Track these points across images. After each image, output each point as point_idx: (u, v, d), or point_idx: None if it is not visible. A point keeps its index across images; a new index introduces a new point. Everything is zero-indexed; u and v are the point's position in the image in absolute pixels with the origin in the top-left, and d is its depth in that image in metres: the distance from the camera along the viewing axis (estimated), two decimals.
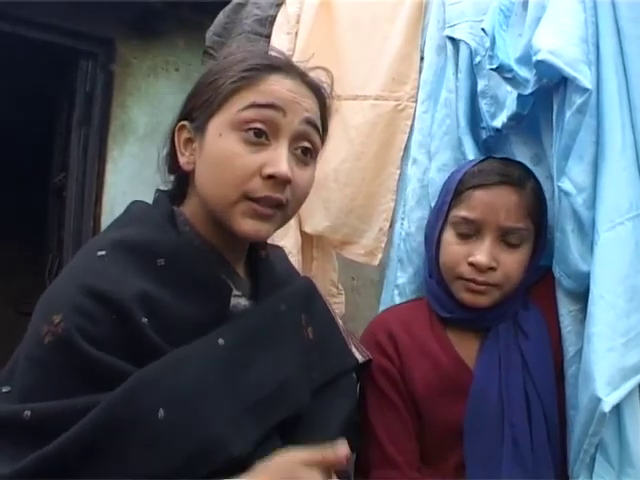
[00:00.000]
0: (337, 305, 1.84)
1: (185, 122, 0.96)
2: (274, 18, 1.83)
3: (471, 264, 1.13)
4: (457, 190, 1.17)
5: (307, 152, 0.95)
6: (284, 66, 0.95)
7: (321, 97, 0.99)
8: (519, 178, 1.14)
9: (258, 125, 0.89)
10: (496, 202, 1.12)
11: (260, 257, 1.04)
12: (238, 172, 0.89)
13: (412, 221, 1.40)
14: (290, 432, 0.91)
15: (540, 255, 1.19)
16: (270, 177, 0.89)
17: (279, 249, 1.21)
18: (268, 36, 1.83)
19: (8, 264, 4.58)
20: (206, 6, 2.46)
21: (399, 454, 1.14)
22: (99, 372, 0.79)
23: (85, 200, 3.07)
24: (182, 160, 0.96)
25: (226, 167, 0.90)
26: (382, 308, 1.49)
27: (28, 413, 0.76)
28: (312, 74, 0.99)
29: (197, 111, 0.94)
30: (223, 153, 0.90)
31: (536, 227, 1.15)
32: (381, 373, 1.18)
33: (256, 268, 1.03)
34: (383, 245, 1.58)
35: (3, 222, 4.57)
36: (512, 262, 1.13)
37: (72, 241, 3.01)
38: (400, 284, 1.43)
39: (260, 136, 0.90)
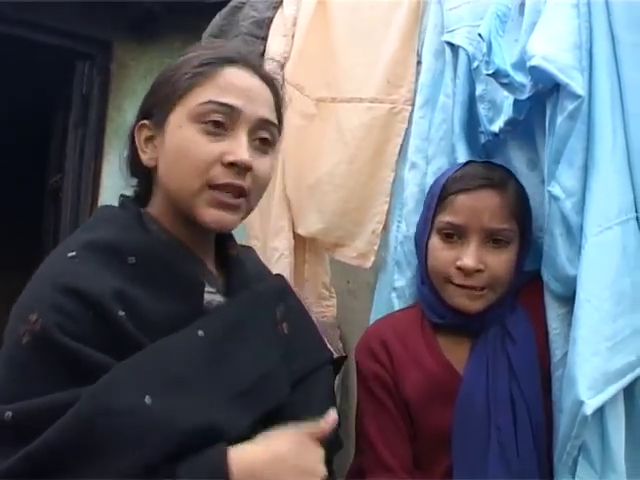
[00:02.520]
0: (329, 308, 1.84)
1: (145, 121, 0.98)
2: (271, 20, 1.84)
3: (459, 268, 1.14)
4: (441, 196, 1.19)
5: (265, 142, 0.98)
6: (238, 59, 0.98)
7: (274, 89, 1.02)
8: (500, 180, 1.16)
9: (216, 117, 0.92)
10: (479, 205, 1.14)
11: (230, 255, 1.06)
12: (199, 161, 0.91)
13: (410, 224, 1.40)
14: (274, 424, 0.91)
15: (526, 255, 1.20)
16: (231, 164, 0.92)
17: (250, 249, 1.23)
18: (265, 38, 1.84)
19: (3, 265, 4.57)
20: (203, 8, 2.46)
21: (393, 457, 1.15)
22: (81, 366, 0.80)
23: (81, 202, 3.07)
24: (144, 157, 0.98)
25: (187, 156, 0.92)
26: (376, 310, 1.49)
27: (9, 414, 0.77)
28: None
29: (156, 108, 0.97)
30: (183, 143, 0.93)
31: (520, 227, 1.17)
32: (375, 379, 1.19)
33: (228, 266, 1.04)
34: (376, 248, 1.58)
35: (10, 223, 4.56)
36: (500, 263, 1.14)
37: None
38: (398, 287, 1.43)
39: (218, 127, 0.93)
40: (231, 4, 1.95)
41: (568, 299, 1.09)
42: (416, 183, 1.42)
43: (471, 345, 1.18)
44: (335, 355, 1.15)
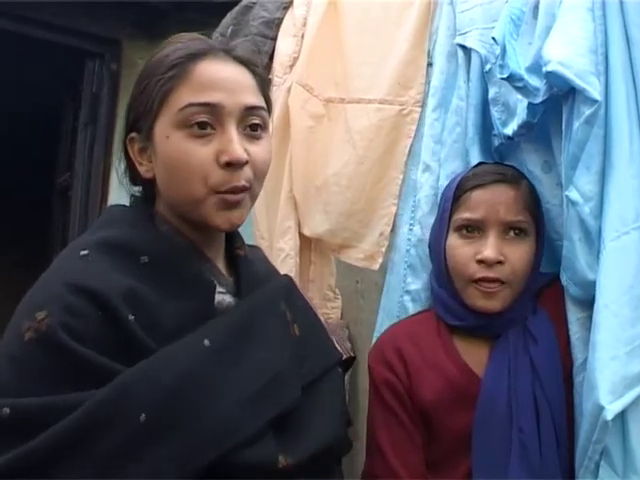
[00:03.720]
0: (333, 310, 1.84)
1: (133, 134, 0.96)
2: (281, 20, 1.84)
3: (480, 261, 1.15)
4: (455, 195, 1.20)
5: (257, 127, 0.95)
6: (208, 50, 0.94)
7: (253, 68, 0.97)
8: (513, 176, 1.19)
9: (200, 118, 0.90)
10: (494, 199, 1.16)
11: (239, 255, 1.04)
12: (196, 169, 0.89)
13: (426, 227, 1.40)
14: (285, 428, 0.91)
15: (542, 252, 1.21)
16: (228, 164, 0.89)
17: (257, 249, 1.22)
18: (274, 38, 1.84)
19: (13, 264, 4.58)
20: (212, 7, 2.46)
21: (403, 467, 1.15)
22: (83, 369, 0.79)
23: (90, 200, 3.08)
24: (141, 170, 0.96)
25: (182, 167, 0.90)
26: (384, 313, 1.49)
27: (7, 410, 0.76)
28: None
29: (140, 120, 0.94)
30: (175, 154, 0.90)
31: (535, 221, 1.19)
32: (387, 387, 1.19)
33: (236, 266, 1.03)
34: (384, 250, 1.57)
35: (8, 222, 4.57)
36: (519, 255, 1.16)
37: None
38: (413, 290, 1.43)
39: (205, 127, 0.90)
40: (241, 4, 1.95)
41: (588, 303, 1.09)
42: (430, 186, 1.42)
43: (490, 347, 1.18)
44: (344, 356, 1.14)
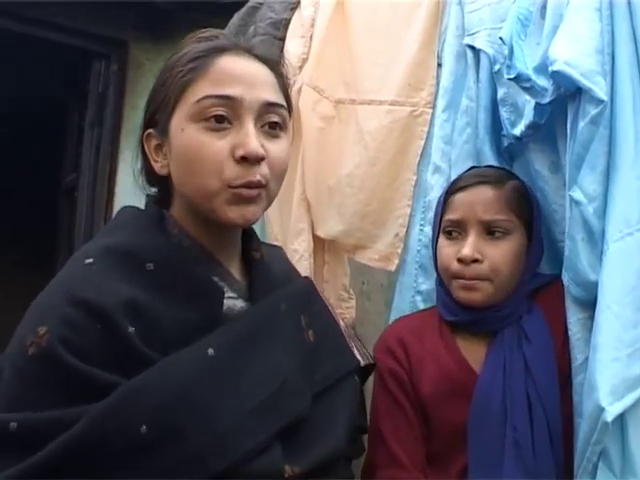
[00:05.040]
0: (348, 310, 1.84)
1: (150, 130, 0.94)
2: (288, 21, 1.84)
3: (459, 260, 1.18)
4: (444, 199, 1.25)
5: (276, 126, 0.93)
6: (230, 46, 0.93)
7: (274, 67, 0.96)
8: (497, 178, 1.21)
9: (217, 112, 0.88)
10: (473, 200, 1.19)
11: (254, 258, 1.01)
12: (210, 161, 0.87)
13: None
14: (294, 436, 0.89)
15: (535, 250, 1.22)
16: (243, 159, 0.87)
17: (278, 249, 1.20)
18: (282, 39, 1.84)
19: (13, 265, 4.58)
20: (219, 8, 2.47)
21: (405, 454, 1.16)
22: (84, 384, 0.78)
23: (96, 201, 3.08)
24: (156, 166, 0.95)
25: (196, 159, 0.88)
26: (395, 314, 1.49)
27: (14, 425, 0.76)
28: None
29: (157, 114, 0.93)
30: (189, 146, 0.88)
31: (523, 222, 1.20)
32: (391, 376, 1.22)
33: (251, 269, 1.01)
34: (399, 251, 1.58)
35: (8, 222, 4.57)
36: (498, 253, 1.17)
37: (83, 242, 2.97)
38: (424, 290, 1.44)
39: (222, 121, 0.88)
40: (248, 5, 1.95)
41: (589, 304, 1.09)
42: (441, 187, 1.42)
43: (488, 345, 1.20)
44: (363, 362, 1.12)
